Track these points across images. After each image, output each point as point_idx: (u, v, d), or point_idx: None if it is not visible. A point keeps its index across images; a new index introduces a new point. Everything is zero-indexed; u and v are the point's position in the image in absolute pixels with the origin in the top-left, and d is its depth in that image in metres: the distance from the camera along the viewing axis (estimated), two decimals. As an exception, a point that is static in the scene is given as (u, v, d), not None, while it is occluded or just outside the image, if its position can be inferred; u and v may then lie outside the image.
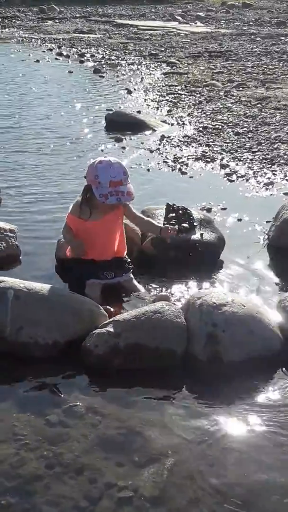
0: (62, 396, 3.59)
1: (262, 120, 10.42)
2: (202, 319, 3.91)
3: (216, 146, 8.96)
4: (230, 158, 8.41)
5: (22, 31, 24.56)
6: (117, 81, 14.22)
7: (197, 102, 11.98)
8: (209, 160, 8.33)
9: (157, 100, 12.26)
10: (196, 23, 27.98)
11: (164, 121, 10.53)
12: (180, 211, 5.45)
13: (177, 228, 5.00)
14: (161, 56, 17.93)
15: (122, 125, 10.06)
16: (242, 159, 8.35)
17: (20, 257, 5.30)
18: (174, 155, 8.56)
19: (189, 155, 8.57)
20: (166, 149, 8.93)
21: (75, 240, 4.85)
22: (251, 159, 8.32)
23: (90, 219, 4.75)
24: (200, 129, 9.97)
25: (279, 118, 10.56)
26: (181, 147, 9.02)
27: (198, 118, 10.71)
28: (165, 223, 5.32)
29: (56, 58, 17.81)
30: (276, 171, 7.86)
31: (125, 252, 5.04)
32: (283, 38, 21.48)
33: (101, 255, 4.84)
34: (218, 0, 40.09)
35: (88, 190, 4.70)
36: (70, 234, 4.87)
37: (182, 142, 9.24)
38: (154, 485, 2.95)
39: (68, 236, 4.90)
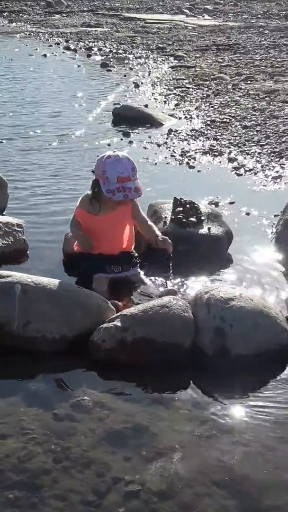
0: (70, 390, 3.60)
1: (270, 113, 10.37)
2: (209, 313, 3.91)
3: (224, 140, 8.94)
4: (238, 151, 8.39)
5: (29, 25, 24.53)
6: (125, 75, 14.19)
7: (205, 95, 11.94)
8: (216, 154, 8.31)
9: (164, 93, 12.23)
10: (203, 16, 27.88)
11: (172, 115, 10.50)
12: (188, 205, 5.44)
13: (171, 243, 4.93)
14: (168, 50, 17.87)
15: (129, 119, 10.04)
16: (250, 152, 8.32)
17: (28, 252, 5.30)
18: (182, 149, 8.55)
19: (196, 149, 8.55)
20: (173, 143, 8.91)
21: (82, 234, 4.84)
22: (259, 153, 8.29)
23: (99, 214, 4.75)
24: (208, 122, 9.94)
25: (288, 111, 10.53)
26: (188, 141, 8.99)
27: (206, 112, 10.67)
28: (173, 217, 5.31)
29: (63, 52, 17.79)
30: (284, 164, 7.83)
31: (133, 247, 5.03)
32: (291, 31, 21.38)
33: (109, 250, 4.83)
34: (226, -7, 39.93)
35: (97, 185, 4.69)
36: (78, 228, 4.87)
37: (189, 136, 9.22)
38: (162, 480, 2.95)
39: (75, 231, 4.90)
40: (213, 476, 2.99)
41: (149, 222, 5.06)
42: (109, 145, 8.73)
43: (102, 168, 4.59)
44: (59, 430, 3.26)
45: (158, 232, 4.98)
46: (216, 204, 6.38)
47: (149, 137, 9.24)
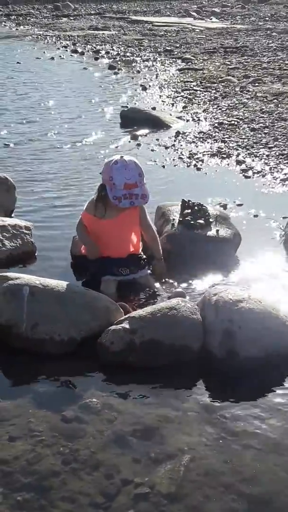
0: (78, 392, 3.59)
1: (278, 116, 10.36)
2: (218, 316, 3.90)
3: (232, 142, 8.93)
4: (246, 154, 8.37)
5: (37, 28, 24.64)
6: (132, 78, 14.22)
7: (213, 98, 11.95)
8: (224, 156, 8.30)
9: (172, 96, 12.24)
10: (211, 19, 27.92)
11: (179, 117, 10.52)
12: (196, 207, 5.43)
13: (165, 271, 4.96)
14: (176, 52, 17.90)
15: (137, 121, 10.05)
16: (258, 155, 8.31)
17: (36, 254, 5.31)
18: (190, 151, 8.54)
19: (204, 151, 8.54)
20: (181, 145, 8.91)
21: (90, 241, 4.85)
22: (267, 155, 8.28)
23: (105, 217, 4.74)
24: (216, 125, 9.94)
25: (296, 114, 10.52)
26: (196, 143, 8.99)
27: (214, 114, 10.67)
28: (181, 219, 5.30)
29: (71, 55, 17.86)
30: (292, 166, 7.83)
31: (141, 249, 5.03)
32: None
33: (116, 253, 4.83)
34: (233, -4, 39.95)
35: (103, 189, 4.68)
36: (85, 233, 4.87)
37: (197, 138, 9.22)
38: (171, 482, 2.94)
39: (82, 236, 4.90)
40: (222, 479, 2.98)
41: (154, 234, 5.05)
42: (117, 147, 8.74)
43: (109, 174, 4.57)
44: (67, 432, 3.26)
45: (159, 252, 4.99)
46: (224, 206, 6.37)
47: (157, 139, 9.24)
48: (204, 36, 21.53)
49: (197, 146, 8.82)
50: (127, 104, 11.41)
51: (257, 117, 10.32)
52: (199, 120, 10.35)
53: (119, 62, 16.30)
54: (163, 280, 4.87)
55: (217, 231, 5.26)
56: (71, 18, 28.81)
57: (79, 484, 2.93)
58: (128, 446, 3.17)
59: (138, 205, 4.69)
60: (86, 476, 2.97)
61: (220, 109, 11.04)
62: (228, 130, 9.60)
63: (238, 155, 8.33)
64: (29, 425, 3.29)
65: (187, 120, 10.38)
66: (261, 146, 8.69)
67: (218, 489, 2.92)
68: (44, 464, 3.04)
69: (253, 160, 8.09)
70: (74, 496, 2.86)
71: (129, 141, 9.16)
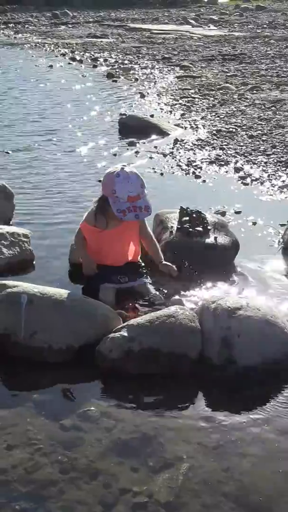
0: (76, 400, 3.59)
1: (276, 123, 10.39)
2: (216, 323, 3.89)
3: (230, 149, 8.94)
4: (244, 161, 8.39)
5: (35, 36, 24.67)
6: (130, 85, 14.25)
7: (211, 105, 11.98)
8: (223, 163, 8.31)
9: (170, 103, 12.26)
10: (209, 27, 28.00)
11: (178, 125, 10.54)
12: (194, 215, 5.43)
13: (175, 269, 4.92)
14: (174, 60, 17.94)
15: (135, 129, 10.06)
16: (256, 162, 8.33)
17: (34, 262, 5.30)
18: (188, 159, 8.55)
19: (202, 159, 8.55)
20: (179, 153, 8.92)
21: (87, 257, 4.84)
22: (266, 162, 8.30)
23: (106, 228, 4.73)
24: (214, 132, 9.96)
25: (294, 121, 10.55)
26: (194, 150, 9.00)
27: (212, 122, 10.70)
28: (179, 226, 5.30)
29: (69, 63, 17.87)
30: (290, 174, 7.84)
31: (139, 256, 5.02)
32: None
33: (115, 262, 4.83)
34: (231, 3, 40.09)
35: (104, 200, 4.67)
36: (83, 247, 4.87)
37: (195, 146, 9.23)
38: (169, 491, 2.93)
39: (80, 250, 4.90)
40: (221, 487, 2.97)
41: (154, 240, 5.05)
42: (115, 155, 8.75)
43: (111, 187, 4.55)
44: (65, 440, 3.25)
45: (161, 255, 4.98)
46: (223, 214, 6.38)
47: (155, 147, 9.25)
48: (202, 44, 21.59)
49: (195, 154, 8.83)
50: (126, 111, 11.42)
51: (255, 124, 10.35)
52: (197, 127, 10.37)
53: (117, 70, 16.33)
54: (155, 288, 4.86)
55: (216, 238, 5.26)
56: (70, 26, 28.87)
57: (77, 493, 2.92)
58: (126, 455, 3.16)
59: (142, 218, 4.69)
60: (84, 485, 2.96)
61: (218, 116, 11.06)
62: (226, 138, 9.62)
63: (236, 162, 8.34)
64: (27, 434, 3.28)
65: (185, 128, 10.40)
66: (259, 153, 8.70)
67: (216, 498, 2.91)
68: (42, 472, 3.03)
69: (251, 167, 8.11)
70: (72, 505, 2.85)
71: (127, 149, 9.16)
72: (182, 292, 4.81)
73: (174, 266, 4.87)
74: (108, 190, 4.59)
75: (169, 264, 4.90)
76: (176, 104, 12.22)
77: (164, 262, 4.91)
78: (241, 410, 3.57)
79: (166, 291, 4.81)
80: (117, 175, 4.55)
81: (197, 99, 12.54)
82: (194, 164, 8.32)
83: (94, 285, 4.69)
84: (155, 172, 8.01)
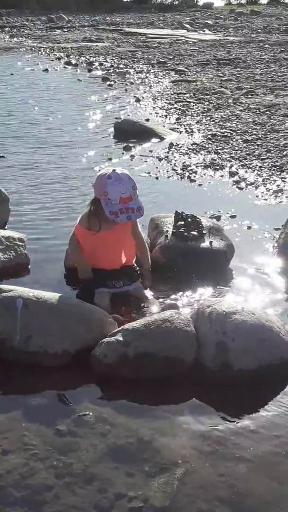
0: (71, 405, 3.58)
1: (271, 127, 10.41)
2: (211, 328, 3.89)
3: (225, 154, 8.96)
4: (239, 165, 8.40)
5: (30, 40, 24.67)
6: (126, 90, 14.25)
7: (206, 109, 11.99)
8: (218, 167, 8.32)
9: (165, 108, 12.27)
10: (204, 31, 28.04)
11: (173, 129, 10.54)
12: (189, 219, 5.44)
13: (148, 284, 4.98)
14: (169, 64, 17.97)
15: (130, 133, 10.07)
16: (251, 166, 8.34)
17: (29, 266, 5.29)
18: (183, 163, 8.56)
19: (198, 163, 8.56)
20: (174, 157, 8.92)
21: (83, 262, 4.84)
22: (260, 167, 8.31)
23: (100, 230, 4.73)
24: (209, 136, 9.97)
25: (288, 125, 10.57)
26: (189, 155, 9.01)
27: (207, 126, 10.71)
28: (174, 231, 5.31)
29: (64, 67, 17.87)
30: (285, 178, 7.85)
31: (134, 260, 5.02)
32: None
33: (110, 265, 4.83)
34: (226, 8, 40.17)
35: (97, 203, 4.67)
36: (78, 251, 4.86)
37: (190, 150, 9.24)
38: (165, 495, 2.93)
39: (75, 254, 4.90)
40: (217, 492, 2.97)
41: (144, 243, 5.06)
42: (110, 159, 8.74)
43: (103, 189, 4.55)
44: (61, 445, 3.24)
45: (149, 261, 5.03)
46: (218, 218, 6.38)
47: (150, 151, 9.26)
48: (197, 48, 21.62)
49: (190, 158, 8.84)
50: (121, 115, 11.43)
51: (250, 129, 10.37)
52: (192, 131, 10.38)
53: (112, 74, 16.34)
54: (150, 292, 4.86)
55: (211, 242, 5.27)
56: (65, 30, 28.87)
57: (72, 498, 2.91)
58: (122, 460, 3.16)
59: (134, 219, 4.68)
60: (80, 490, 2.96)
61: (213, 120, 11.08)
62: (221, 142, 9.63)
63: (231, 166, 8.36)
64: (22, 439, 3.27)
65: (181, 132, 10.41)
66: (254, 158, 8.72)
67: (212, 503, 2.91)
68: (37, 478, 3.02)
69: (246, 172, 8.12)
70: (67, 510, 2.84)
71: (123, 153, 9.16)
72: (177, 297, 4.81)
73: (150, 282, 4.94)
74: (100, 192, 4.59)
75: (150, 277, 4.98)
76: (171, 108, 12.23)
77: (147, 271, 4.99)
78: (236, 415, 3.57)
79: (161, 295, 4.81)
80: (109, 177, 4.54)
81: (192, 104, 12.55)
82: (189, 168, 8.33)
83: (89, 290, 4.69)
84: (150, 176, 8.01)
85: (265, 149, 9.13)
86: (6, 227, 5.96)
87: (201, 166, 8.43)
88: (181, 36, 25.56)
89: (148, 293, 4.82)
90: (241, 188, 7.55)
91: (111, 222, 4.64)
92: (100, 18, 33.73)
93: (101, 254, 4.81)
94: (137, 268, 5.00)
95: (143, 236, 5.08)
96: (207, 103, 12.57)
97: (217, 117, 11.29)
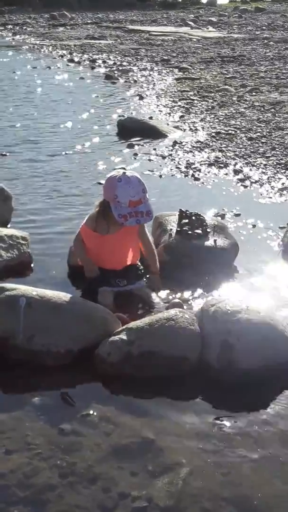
0: (75, 404, 3.56)
1: (275, 125, 10.39)
2: (216, 326, 3.88)
3: (229, 152, 8.93)
4: (243, 163, 8.37)
5: (33, 38, 24.65)
6: (129, 87, 14.23)
7: (210, 107, 11.97)
8: (222, 165, 8.29)
9: (169, 105, 12.25)
10: (208, 28, 28.01)
11: (177, 127, 10.51)
12: (193, 217, 5.42)
13: (160, 288, 4.94)
14: (173, 62, 17.94)
15: (134, 131, 10.04)
16: (255, 164, 8.31)
17: (32, 265, 5.28)
18: (187, 161, 8.53)
19: (202, 161, 8.53)
20: (178, 155, 8.90)
21: (87, 259, 4.83)
22: (265, 164, 8.28)
23: (107, 234, 4.71)
24: (213, 134, 9.95)
25: (293, 123, 10.55)
26: (193, 153, 8.98)
27: (211, 124, 10.68)
28: (178, 229, 5.29)
29: (67, 65, 17.86)
30: (289, 176, 7.83)
31: (138, 259, 5.00)
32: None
33: (114, 266, 4.82)
34: (230, 5, 40.12)
35: (105, 205, 4.65)
36: (83, 250, 4.85)
37: (194, 148, 9.21)
38: (169, 495, 2.92)
39: (80, 253, 4.88)
40: (221, 491, 2.96)
41: (151, 245, 5.03)
42: (113, 157, 8.72)
43: (113, 192, 4.53)
44: (64, 445, 3.23)
45: (157, 265, 4.99)
46: (222, 216, 6.36)
47: (154, 149, 9.23)
48: (201, 46, 21.60)
49: (194, 156, 8.81)
50: (124, 113, 11.41)
51: (255, 127, 10.35)
52: (196, 129, 10.35)
53: (115, 72, 16.31)
54: (159, 293, 4.84)
55: (215, 241, 5.25)
56: (68, 27, 28.86)
57: (76, 497, 2.90)
58: (126, 459, 3.14)
59: (143, 222, 4.67)
60: (83, 490, 2.94)
61: (217, 118, 11.05)
62: (226, 140, 9.61)
63: (235, 164, 8.33)
64: (25, 438, 3.26)
65: (184, 130, 10.38)
66: (259, 156, 8.69)
67: (216, 503, 2.89)
68: (41, 477, 3.01)
69: (250, 170, 8.09)
70: (71, 510, 2.83)
71: (126, 151, 9.14)
72: (182, 295, 4.80)
73: (160, 287, 4.90)
74: (109, 194, 4.57)
75: (159, 280, 4.94)
76: (175, 106, 12.20)
77: (155, 275, 4.96)
78: (241, 414, 3.55)
79: (165, 294, 4.80)
80: (119, 179, 4.52)
81: (196, 101, 12.53)
82: (193, 166, 8.30)
83: (93, 288, 4.67)
84: (154, 174, 7.98)
85: (270, 147, 9.11)
86: (9, 226, 5.95)
87: (205, 164, 8.40)
88: (185, 33, 25.53)
89: (152, 291, 4.80)
90: (245, 186, 7.52)
91: (118, 224, 4.62)
92: (103, 15, 33.70)
93: (106, 255, 4.79)
94: (141, 267, 4.99)
95: (151, 238, 5.06)
96: (211, 100, 12.55)
97: (221, 115, 11.26)
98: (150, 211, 4.61)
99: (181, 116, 11.32)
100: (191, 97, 12.91)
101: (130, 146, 9.36)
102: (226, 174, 8.00)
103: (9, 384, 3.78)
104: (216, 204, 6.77)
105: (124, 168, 4.66)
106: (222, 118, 11.02)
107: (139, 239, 4.93)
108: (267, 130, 10.06)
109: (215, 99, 12.67)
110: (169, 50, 20.47)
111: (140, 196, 4.54)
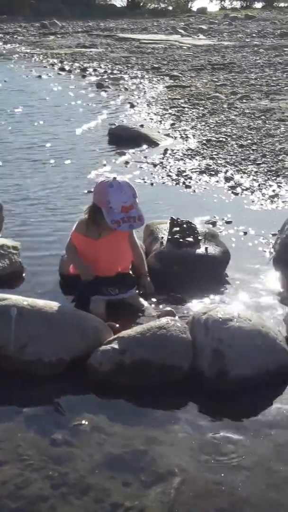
0: (67, 414, 3.55)
1: (266, 132, 10.41)
2: (207, 334, 3.87)
3: (220, 159, 8.94)
4: (234, 170, 8.38)
5: (24, 46, 24.65)
6: (120, 95, 14.23)
7: (201, 115, 11.98)
8: (213, 173, 8.30)
9: (160, 113, 12.25)
10: (198, 36, 28.06)
11: (167, 135, 10.51)
12: (185, 225, 5.42)
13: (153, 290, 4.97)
14: (163, 70, 17.95)
15: (125, 139, 10.03)
16: (246, 171, 8.32)
17: (24, 274, 5.27)
18: (178, 169, 8.53)
19: (193, 169, 8.54)
20: (169, 162, 8.90)
21: (83, 264, 4.82)
22: (256, 172, 8.30)
23: (98, 238, 4.71)
24: (204, 142, 9.96)
25: (284, 130, 10.57)
26: (184, 160, 8.99)
27: (202, 131, 10.70)
28: (170, 237, 5.29)
29: (58, 73, 17.84)
30: (281, 183, 7.84)
31: (130, 267, 5.00)
32: (286, 49, 21.51)
33: (106, 272, 4.80)
34: (220, 13, 40.23)
35: (96, 210, 4.65)
36: (76, 256, 4.84)
37: (185, 156, 9.21)
38: (162, 505, 2.91)
39: (74, 259, 4.87)
40: (214, 501, 2.95)
41: (139, 249, 5.05)
42: (104, 165, 8.72)
43: (105, 198, 4.53)
44: (56, 455, 3.22)
45: (145, 267, 5.02)
46: (213, 224, 6.36)
47: (145, 157, 9.23)
48: (191, 53, 21.63)
49: (185, 163, 8.82)
50: (115, 121, 11.41)
51: (245, 134, 10.36)
52: (187, 137, 10.35)
53: (106, 80, 16.32)
54: (152, 299, 4.84)
55: (206, 248, 5.25)
56: (58, 36, 28.84)
57: (68, 508, 2.89)
58: (118, 469, 3.13)
59: (136, 227, 4.68)
60: (76, 501, 2.93)
61: (208, 126, 11.07)
62: (216, 147, 9.61)
63: (226, 172, 8.34)
64: (17, 449, 3.25)
65: (175, 137, 10.38)
66: (250, 163, 8.70)
67: (209, 512, 2.89)
68: (32, 488, 2.99)
69: (241, 177, 8.10)
70: (63, 521, 2.82)
71: (117, 159, 9.13)
72: (173, 303, 4.79)
73: (153, 289, 4.92)
74: (101, 200, 4.57)
75: (151, 283, 4.94)
76: (166, 114, 12.21)
77: (146, 277, 4.96)
78: (233, 422, 3.55)
79: (157, 302, 4.80)
80: (110, 185, 4.53)
81: (186, 109, 12.54)
82: (184, 174, 8.30)
83: (85, 298, 4.66)
84: (145, 182, 7.98)
85: (261, 154, 9.12)
86: (0, 235, 5.93)
87: (196, 171, 8.40)
88: (175, 41, 25.57)
89: (144, 300, 4.80)
90: (236, 194, 7.52)
91: (109, 230, 4.63)
92: (94, 24, 33.72)
93: (97, 261, 4.78)
94: (133, 275, 4.98)
95: (137, 241, 5.07)
96: (202, 108, 12.56)
97: (212, 122, 11.28)
98: (142, 216, 4.62)
99: (172, 124, 11.32)
100: (182, 105, 12.92)
101: (121, 154, 9.35)
102: (217, 181, 8.01)
103: (0, 394, 3.77)
104: (207, 211, 6.77)
105: (115, 178, 4.66)
106: (213, 126, 11.03)
107: (128, 244, 4.93)
108: (258, 137, 10.08)
109: (206, 106, 12.68)
110: (159, 58, 20.49)
111: (131, 201, 4.55)
